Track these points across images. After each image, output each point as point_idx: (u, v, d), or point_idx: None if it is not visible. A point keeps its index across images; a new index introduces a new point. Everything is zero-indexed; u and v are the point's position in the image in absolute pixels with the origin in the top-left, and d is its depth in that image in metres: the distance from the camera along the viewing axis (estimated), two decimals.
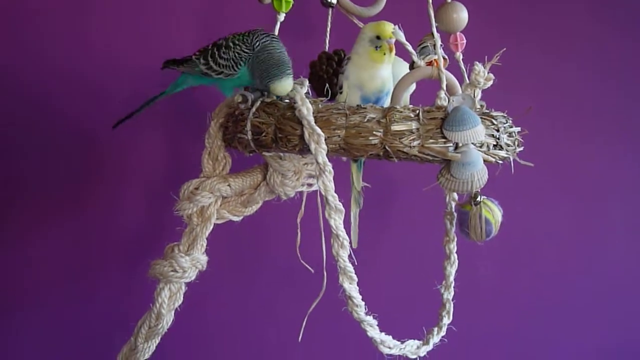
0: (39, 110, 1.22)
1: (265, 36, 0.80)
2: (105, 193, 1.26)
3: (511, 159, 0.81)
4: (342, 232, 0.77)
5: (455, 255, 1.02)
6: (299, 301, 1.12)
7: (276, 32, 0.85)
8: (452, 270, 1.02)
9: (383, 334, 0.85)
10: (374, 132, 0.76)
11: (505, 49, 0.98)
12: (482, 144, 0.79)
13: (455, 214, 1.00)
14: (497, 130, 0.81)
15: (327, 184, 0.76)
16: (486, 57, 0.98)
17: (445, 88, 0.81)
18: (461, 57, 0.95)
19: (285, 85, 0.78)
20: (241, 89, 0.83)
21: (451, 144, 0.77)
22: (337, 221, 0.77)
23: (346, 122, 0.77)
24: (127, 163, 1.26)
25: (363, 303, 0.81)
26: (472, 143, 0.77)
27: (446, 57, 0.86)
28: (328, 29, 1.03)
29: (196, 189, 0.90)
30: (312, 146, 0.75)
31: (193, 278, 0.91)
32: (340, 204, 0.77)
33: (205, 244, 0.92)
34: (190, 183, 0.91)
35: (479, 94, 0.98)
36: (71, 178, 1.24)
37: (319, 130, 0.76)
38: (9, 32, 1.20)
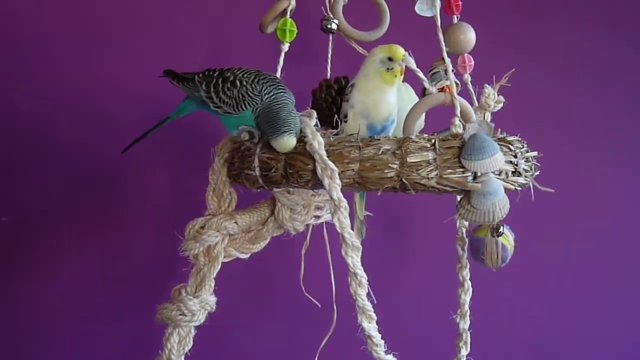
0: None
1: (273, 87, 0.77)
2: (114, 231, 1.22)
3: (530, 185, 0.78)
4: (360, 270, 0.74)
5: (469, 283, 0.99)
6: (310, 336, 1.08)
7: (280, 62, 0.82)
8: (466, 298, 0.98)
9: None
10: (390, 165, 0.73)
11: (514, 69, 0.95)
12: (501, 171, 0.76)
13: (467, 241, 0.97)
14: (515, 156, 0.78)
15: (343, 221, 0.73)
16: (494, 77, 0.96)
17: (459, 115, 0.78)
18: (469, 79, 0.93)
19: (287, 143, 0.75)
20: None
21: (470, 174, 0.74)
22: (354, 259, 0.74)
23: (360, 155, 0.74)
24: (136, 200, 1.22)
25: (382, 342, 0.78)
26: (492, 171, 0.73)
27: (458, 82, 0.83)
28: (329, 55, 1.00)
29: (202, 228, 0.87)
30: (326, 182, 0.72)
31: (202, 321, 0.87)
32: (358, 241, 0.74)
33: (213, 284, 0.89)
34: (195, 222, 0.88)
35: (488, 116, 0.95)
36: (83, 211, 1.20)
37: (332, 165, 0.72)
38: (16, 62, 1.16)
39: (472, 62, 0.92)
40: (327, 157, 0.74)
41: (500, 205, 0.73)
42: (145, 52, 1.20)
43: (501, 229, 0.81)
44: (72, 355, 1.22)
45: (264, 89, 0.75)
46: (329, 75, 1.01)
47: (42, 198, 1.18)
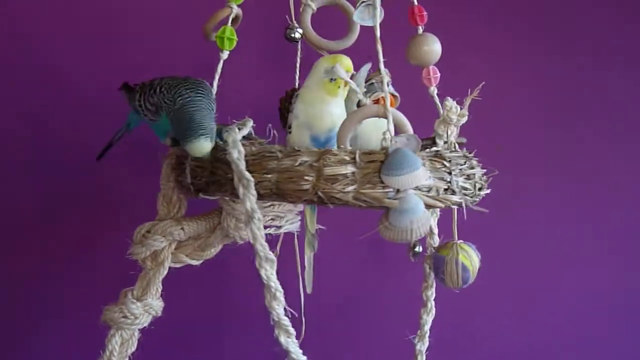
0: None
1: (190, 91, 0.75)
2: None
3: (464, 205, 0.75)
4: (274, 283, 0.73)
5: (433, 303, 0.96)
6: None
7: (219, 70, 0.81)
8: (428, 319, 0.95)
9: None
10: (306, 177, 0.72)
11: (483, 82, 0.92)
12: (430, 188, 0.73)
13: (433, 259, 0.94)
14: (449, 173, 0.75)
15: (256, 232, 0.72)
16: (469, 90, 0.93)
17: (392, 128, 0.75)
18: (435, 91, 0.90)
19: (198, 147, 0.74)
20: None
21: (391, 190, 0.71)
22: (267, 271, 0.72)
23: (278, 165, 0.73)
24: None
25: (304, 358, 0.76)
26: (412, 188, 0.70)
27: (396, 94, 0.80)
28: (297, 64, 0.99)
29: (148, 232, 0.88)
30: (241, 191, 0.71)
31: (146, 324, 0.88)
32: (271, 253, 0.72)
33: (159, 289, 0.89)
34: (143, 226, 0.88)
35: (454, 131, 0.92)
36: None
37: (247, 175, 0.72)
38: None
39: (438, 75, 0.89)
40: (248, 166, 0.73)
41: (419, 223, 0.70)
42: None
43: (417, 248, 0.78)
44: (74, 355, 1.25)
45: (179, 92, 0.75)
46: (297, 84, 1.00)
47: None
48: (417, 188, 0.72)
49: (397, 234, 0.70)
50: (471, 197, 0.78)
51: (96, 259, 1.20)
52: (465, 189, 0.77)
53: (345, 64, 0.82)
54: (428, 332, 0.94)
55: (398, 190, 0.71)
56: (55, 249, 1.18)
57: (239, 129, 0.77)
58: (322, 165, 0.72)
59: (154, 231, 0.87)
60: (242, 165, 0.72)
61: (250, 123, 0.81)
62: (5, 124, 1.16)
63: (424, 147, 0.88)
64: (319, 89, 0.81)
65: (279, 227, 0.98)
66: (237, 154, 0.73)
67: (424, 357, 0.93)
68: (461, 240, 0.91)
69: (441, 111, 0.91)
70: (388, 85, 0.79)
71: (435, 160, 0.75)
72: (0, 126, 1.16)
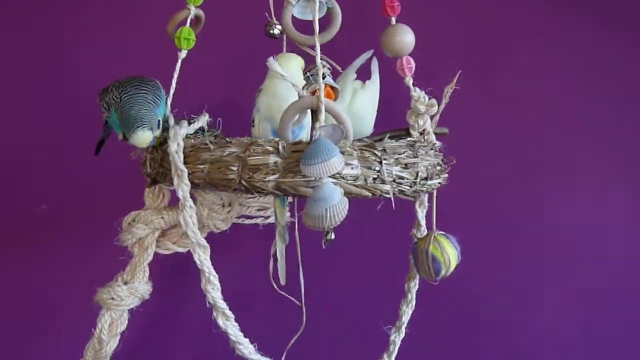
0: None
1: (134, 88, 0.80)
2: None
3: (391, 195, 0.75)
4: (208, 268, 0.77)
5: (414, 294, 0.96)
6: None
7: (177, 70, 0.86)
8: (407, 310, 0.95)
9: None
10: (231, 167, 0.75)
11: (460, 71, 0.91)
12: (357, 176, 0.74)
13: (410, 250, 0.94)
14: (380, 163, 0.76)
15: (188, 220, 0.76)
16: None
17: (322, 119, 0.77)
18: (411, 82, 0.90)
19: (137, 138, 0.78)
20: None
21: (313, 179, 0.73)
22: (201, 256, 0.77)
23: (209, 156, 0.77)
24: None
25: (245, 340, 0.80)
26: (327, 176, 0.72)
27: (336, 86, 0.82)
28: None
29: (133, 221, 0.95)
30: (175, 181, 0.76)
31: (133, 306, 0.95)
32: (203, 239, 0.77)
33: (146, 273, 0.96)
34: (129, 215, 0.96)
35: (426, 121, 0.92)
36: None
37: (182, 166, 0.76)
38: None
39: (412, 65, 0.90)
40: (186, 158, 0.78)
41: (333, 212, 0.72)
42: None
43: (329, 236, 0.78)
44: None
45: (124, 90, 0.80)
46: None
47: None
48: (341, 177, 0.73)
49: (313, 221, 0.72)
50: (410, 187, 0.78)
51: None
52: (402, 178, 0.77)
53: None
54: (405, 323, 0.94)
55: (320, 179, 0.73)
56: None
57: (190, 123, 0.82)
58: (247, 156, 0.75)
59: (138, 220, 0.94)
60: (178, 157, 0.77)
61: (205, 118, 0.85)
62: None
63: (397, 138, 0.89)
64: (281, 83, 0.84)
65: (266, 218, 1.02)
66: (176, 147, 0.78)
67: (396, 349, 0.93)
68: (440, 232, 0.90)
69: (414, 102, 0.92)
70: (324, 78, 0.80)
71: (365, 150, 0.76)
72: None
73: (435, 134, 0.94)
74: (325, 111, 0.78)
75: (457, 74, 0.92)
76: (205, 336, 1.25)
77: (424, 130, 0.92)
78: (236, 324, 0.79)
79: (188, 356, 1.35)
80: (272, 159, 0.74)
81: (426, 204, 0.96)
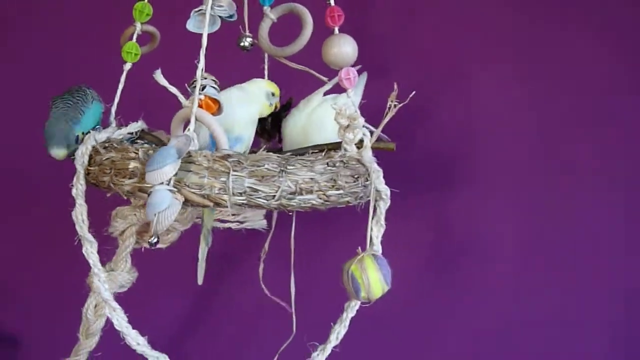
0: None
1: (60, 101, 0.89)
2: None
3: (229, 204, 0.76)
4: (93, 261, 0.85)
5: (349, 315, 0.93)
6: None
7: (122, 81, 0.94)
8: (339, 329, 0.93)
9: None
10: (105, 171, 0.82)
11: (414, 92, 0.89)
12: (202, 186, 0.77)
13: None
14: (228, 173, 0.77)
15: (77, 216, 0.85)
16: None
17: (192, 128, 0.80)
18: (353, 92, 0.90)
19: (51, 153, 0.87)
20: None
21: (161, 183, 0.77)
22: (88, 250, 0.85)
23: (100, 160, 0.85)
24: None
25: (134, 332, 0.86)
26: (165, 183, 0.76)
27: (217, 97, 0.84)
28: (266, 71, 1.05)
29: (115, 215, 1.06)
30: (74, 180, 0.86)
31: (112, 292, 1.06)
32: (90, 235, 0.85)
33: (127, 264, 1.06)
34: (115, 210, 1.07)
35: (357, 133, 0.90)
36: None
37: (78, 166, 0.86)
38: None
39: (354, 75, 0.89)
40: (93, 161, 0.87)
41: (161, 217, 0.75)
42: None
43: (152, 239, 0.79)
44: None
45: (54, 104, 0.90)
46: None
47: None
48: (185, 185, 0.77)
49: (150, 225, 0.76)
50: (266, 200, 0.78)
51: None
52: (255, 190, 0.77)
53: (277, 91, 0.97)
54: (333, 343, 0.92)
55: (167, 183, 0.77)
56: None
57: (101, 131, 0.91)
58: (117, 160, 0.81)
59: (117, 214, 1.05)
60: (79, 159, 0.86)
61: (137, 124, 0.93)
62: None
63: (329, 150, 0.89)
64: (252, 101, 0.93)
65: (241, 222, 1.07)
66: (83, 150, 0.87)
67: None
68: (369, 252, 0.87)
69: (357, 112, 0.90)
70: (204, 89, 0.83)
71: (217, 161, 0.77)
72: None
73: (378, 148, 0.91)
74: (198, 120, 0.81)
75: (395, 87, 0.88)
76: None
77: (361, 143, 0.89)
78: (124, 315, 0.85)
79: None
80: (132, 164, 0.79)
81: (383, 222, 0.93)
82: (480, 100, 1.34)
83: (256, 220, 1.05)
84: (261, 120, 1.02)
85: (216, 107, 0.83)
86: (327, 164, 0.82)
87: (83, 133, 0.90)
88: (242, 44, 1.00)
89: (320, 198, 0.81)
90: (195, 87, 0.82)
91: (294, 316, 1.08)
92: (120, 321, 0.86)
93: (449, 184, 1.35)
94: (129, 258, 1.05)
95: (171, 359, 0.84)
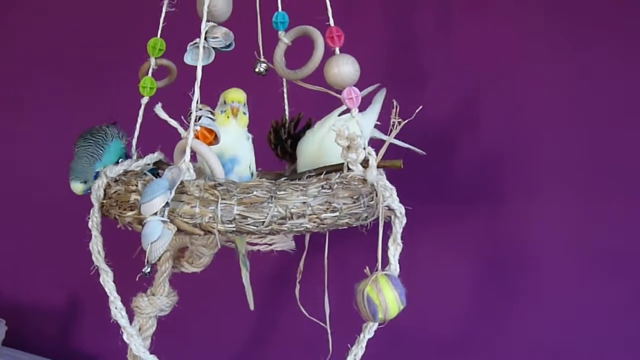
0: None
1: (81, 140, 0.95)
2: None
3: (216, 232, 0.78)
4: (109, 289, 0.89)
5: (366, 336, 0.93)
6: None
7: (140, 115, 0.98)
8: (357, 352, 0.93)
9: None
10: (113, 204, 0.87)
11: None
12: (193, 215, 0.79)
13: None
14: (217, 202, 0.79)
15: (93, 247, 0.89)
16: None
17: (187, 159, 0.83)
18: (357, 112, 0.91)
19: (72, 188, 0.92)
20: None
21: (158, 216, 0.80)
22: (104, 279, 0.89)
23: (109, 193, 0.89)
24: None
25: (151, 357, 0.89)
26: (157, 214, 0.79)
27: (212, 128, 0.85)
28: (285, 94, 1.07)
29: None
30: (91, 212, 0.90)
31: (153, 315, 1.10)
32: (106, 265, 0.88)
33: (165, 288, 1.10)
34: None
35: (359, 154, 0.90)
36: None
37: (94, 200, 0.90)
38: None
39: (356, 95, 0.90)
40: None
41: (154, 247, 0.78)
42: None
43: (145, 269, 0.81)
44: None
45: (76, 142, 0.96)
46: (287, 114, 1.08)
47: None
48: (178, 215, 0.79)
49: (146, 254, 0.79)
50: (255, 227, 0.79)
51: None
52: (245, 217, 0.79)
53: (230, 94, 0.91)
54: None
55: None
56: None
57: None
58: (121, 193, 0.85)
59: None
60: (96, 193, 0.90)
61: (154, 155, 0.97)
62: None
63: (335, 171, 0.90)
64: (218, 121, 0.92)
65: (269, 245, 1.08)
66: (99, 183, 0.91)
67: None
68: (384, 273, 0.87)
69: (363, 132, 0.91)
70: (199, 120, 0.85)
71: (207, 190, 0.80)
72: None
73: (384, 166, 0.90)
74: (193, 152, 0.83)
75: (395, 105, 0.88)
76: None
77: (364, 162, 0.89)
78: (141, 341, 0.89)
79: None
80: (133, 197, 0.83)
81: (399, 240, 0.93)
82: (528, 105, 1.29)
83: (284, 242, 1.06)
84: (281, 142, 1.03)
85: (212, 137, 0.85)
86: (322, 186, 0.82)
87: (97, 172, 0.94)
88: (257, 69, 1.02)
89: (313, 222, 0.80)
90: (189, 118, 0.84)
91: (329, 335, 1.08)
92: (138, 347, 0.89)
93: (500, 191, 1.31)
94: (166, 283, 1.10)
95: None
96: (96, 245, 0.89)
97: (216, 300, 1.51)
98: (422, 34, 1.34)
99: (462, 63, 1.31)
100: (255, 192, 0.79)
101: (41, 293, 1.74)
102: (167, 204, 0.78)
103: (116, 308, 0.88)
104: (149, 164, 0.95)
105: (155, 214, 0.78)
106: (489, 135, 1.31)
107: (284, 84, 1.07)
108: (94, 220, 0.89)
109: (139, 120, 0.98)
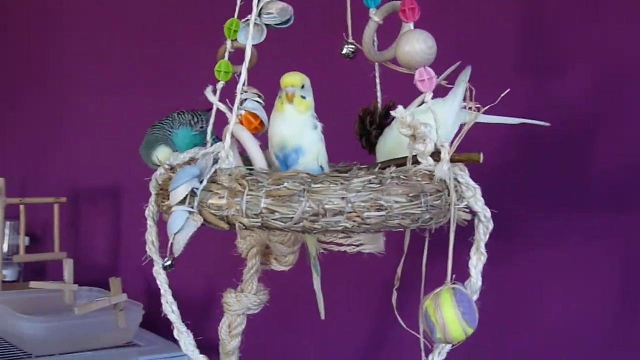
0: None
1: (150, 127, 0.94)
2: None
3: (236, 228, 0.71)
4: (164, 289, 0.85)
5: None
6: None
7: (216, 99, 0.92)
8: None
9: None
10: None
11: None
12: (220, 206, 0.73)
13: None
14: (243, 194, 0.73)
15: (147, 237, 0.86)
16: None
17: (228, 141, 0.77)
18: (430, 97, 0.80)
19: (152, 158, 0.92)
20: None
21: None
22: (159, 275, 0.86)
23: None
24: None
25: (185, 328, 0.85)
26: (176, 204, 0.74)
27: (257, 112, 0.78)
28: (377, 81, 0.97)
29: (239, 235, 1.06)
30: None
31: (241, 312, 1.06)
32: (157, 255, 0.85)
33: (253, 285, 1.05)
34: None
35: (428, 144, 0.79)
36: None
37: (151, 189, 0.87)
38: None
39: (431, 76, 0.79)
40: None
41: (176, 239, 0.73)
42: None
43: (169, 263, 0.73)
44: None
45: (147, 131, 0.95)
46: (379, 101, 0.98)
47: None
48: (206, 206, 0.73)
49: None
50: (283, 223, 0.71)
51: None
52: (272, 211, 0.71)
53: (285, 78, 0.83)
54: None
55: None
56: None
57: None
58: (167, 181, 0.81)
59: (239, 235, 1.05)
60: (153, 183, 0.86)
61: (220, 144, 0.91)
62: None
63: (399, 165, 0.80)
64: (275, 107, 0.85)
65: (357, 246, 0.99)
66: (154, 175, 0.87)
67: None
68: (452, 286, 0.75)
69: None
70: (242, 103, 0.78)
71: (237, 180, 0.73)
72: None
73: (459, 160, 0.78)
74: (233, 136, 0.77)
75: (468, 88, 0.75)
76: None
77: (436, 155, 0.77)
78: (190, 339, 0.85)
79: None
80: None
81: (483, 249, 0.80)
82: None
83: (372, 244, 0.96)
84: (367, 133, 0.93)
85: (257, 122, 0.77)
86: (370, 180, 0.71)
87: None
88: (343, 51, 0.93)
89: (353, 220, 0.70)
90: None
91: (421, 345, 0.95)
92: (187, 345, 0.84)
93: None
94: (255, 279, 1.04)
95: None
96: (150, 235, 0.85)
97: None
98: (558, 20, 1.14)
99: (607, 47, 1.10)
100: (285, 184, 0.70)
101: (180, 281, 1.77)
102: (194, 193, 0.72)
103: (167, 302, 0.84)
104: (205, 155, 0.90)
105: (183, 203, 0.72)
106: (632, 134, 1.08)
107: (376, 67, 0.96)
108: (150, 209, 0.86)
109: (215, 106, 0.92)
